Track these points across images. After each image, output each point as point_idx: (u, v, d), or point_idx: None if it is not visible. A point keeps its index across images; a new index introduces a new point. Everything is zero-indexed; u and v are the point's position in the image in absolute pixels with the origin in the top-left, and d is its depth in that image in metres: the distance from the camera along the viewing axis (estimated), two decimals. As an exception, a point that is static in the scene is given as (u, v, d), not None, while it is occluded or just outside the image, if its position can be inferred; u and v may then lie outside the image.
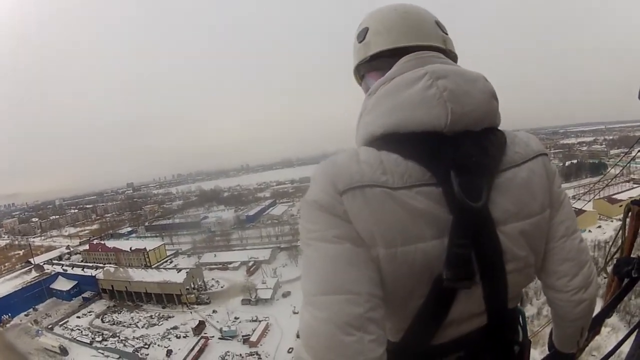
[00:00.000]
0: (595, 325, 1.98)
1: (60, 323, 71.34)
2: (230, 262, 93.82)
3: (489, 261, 1.07)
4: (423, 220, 0.99)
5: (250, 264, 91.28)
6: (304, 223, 1.06)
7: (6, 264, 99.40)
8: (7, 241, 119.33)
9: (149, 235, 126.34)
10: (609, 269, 2.44)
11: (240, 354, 57.29)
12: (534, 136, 1.27)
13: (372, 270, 0.99)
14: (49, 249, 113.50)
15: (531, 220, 1.14)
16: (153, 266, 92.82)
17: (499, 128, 1.20)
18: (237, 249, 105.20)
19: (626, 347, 2.34)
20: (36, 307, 76.98)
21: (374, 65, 1.31)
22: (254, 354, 57.18)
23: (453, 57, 1.32)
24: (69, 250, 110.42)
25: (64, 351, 59.80)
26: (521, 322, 1.41)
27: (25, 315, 73.96)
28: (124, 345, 62.57)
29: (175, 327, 67.55)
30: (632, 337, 2.30)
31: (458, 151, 1.05)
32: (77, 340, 64.54)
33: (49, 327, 69.22)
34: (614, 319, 36.42)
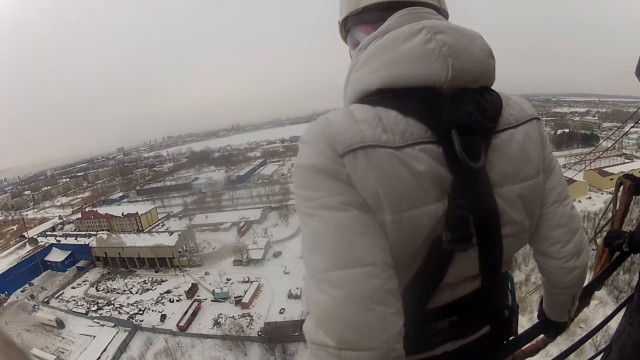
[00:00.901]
0: (585, 297, 1.97)
1: (56, 295, 72.53)
2: (222, 223, 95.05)
3: (486, 223, 1.04)
4: (427, 181, 0.95)
5: (241, 224, 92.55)
6: (301, 191, 0.97)
7: (0, 241, 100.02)
8: (1, 218, 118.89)
9: (140, 199, 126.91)
10: (599, 240, 2.45)
11: (233, 316, 58.36)
12: (526, 100, 1.23)
13: (382, 238, 0.93)
14: (43, 220, 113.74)
15: (527, 184, 1.11)
16: (145, 230, 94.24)
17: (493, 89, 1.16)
18: (228, 210, 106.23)
19: (614, 323, 2.41)
20: (32, 281, 77.89)
21: (364, 17, 1.24)
22: (246, 316, 58.34)
23: (445, 16, 1.25)
24: (61, 221, 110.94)
25: (60, 324, 61.10)
26: (510, 287, 1.41)
27: (22, 291, 75.05)
28: (119, 313, 63.95)
29: (168, 291, 69.08)
30: (621, 313, 2.34)
31: (458, 109, 1.01)
32: (73, 311, 65.88)
33: (45, 300, 70.43)
34: (602, 293, 37.25)
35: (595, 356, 2.43)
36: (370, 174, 0.92)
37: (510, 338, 1.45)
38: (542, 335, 1.80)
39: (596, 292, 2.30)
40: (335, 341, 0.86)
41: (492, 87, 1.17)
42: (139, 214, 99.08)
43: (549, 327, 1.64)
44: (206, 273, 73.40)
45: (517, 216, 1.11)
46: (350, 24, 1.31)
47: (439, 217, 0.97)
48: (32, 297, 71.84)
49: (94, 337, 57.71)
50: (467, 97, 1.05)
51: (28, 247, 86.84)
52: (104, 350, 54.07)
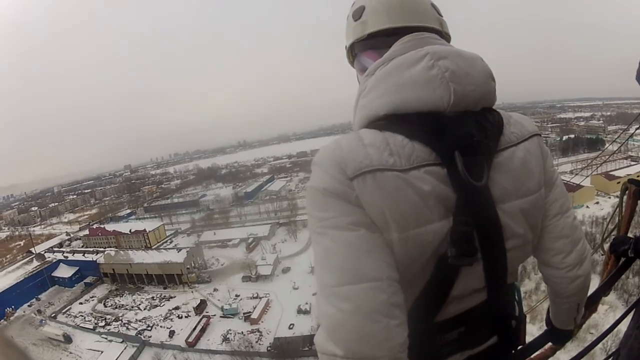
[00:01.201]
0: (592, 303, 1.93)
1: (63, 311, 71.88)
2: (230, 240, 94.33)
3: (490, 238, 1.09)
4: (432, 201, 1.00)
5: (249, 240, 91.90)
6: (313, 211, 1.03)
7: (7, 256, 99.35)
8: (7, 233, 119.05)
9: (148, 216, 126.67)
10: (606, 246, 2.40)
11: (242, 332, 57.69)
12: (527, 117, 1.29)
13: (388, 255, 0.99)
14: (50, 236, 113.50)
15: (529, 198, 1.16)
16: (153, 247, 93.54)
17: (494, 108, 1.22)
18: (236, 226, 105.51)
19: (623, 326, 2.34)
20: (39, 296, 77.34)
21: (370, 44, 1.31)
22: (255, 331, 57.62)
23: (447, 39, 1.32)
24: (69, 237, 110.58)
25: (67, 339, 60.39)
26: (517, 297, 1.45)
27: (29, 305, 74.27)
28: (127, 329, 63.21)
29: (177, 307, 68.31)
30: (630, 316, 2.29)
31: (461, 131, 1.06)
32: (81, 326, 65.20)
33: (52, 315, 69.86)
34: (611, 297, 37.02)
35: None
36: (378, 196, 0.97)
37: (519, 347, 1.48)
38: (550, 344, 1.81)
39: (605, 298, 2.25)
40: (343, 351, 0.91)
41: (495, 104, 1.22)
42: (147, 231, 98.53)
43: (556, 335, 1.67)
44: (215, 289, 72.72)
45: (520, 230, 1.16)
46: (357, 50, 1.38)
47: (444, 234, 1.02)
48: (39, 311, 71.23)
49: (102, 352, 56.80)
50: (469, 119, 1.09)
51: (35, 263, 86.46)
52: (112, 365, 53.05)
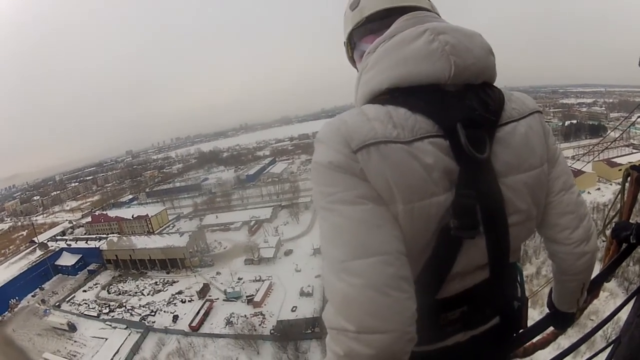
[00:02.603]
0: (594, 288, 1.94)
1: (67, 299, 72.14)
2: (232, 223, 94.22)
3: (493, 212, 1.09)
4: (436, 173, 1.01)
5: (251, 223, 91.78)
6: (319, 187, 1.03)
7: (10, 247, 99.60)
8: (10, 224, 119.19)
9: (150, 201, 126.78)
10: (608, 232, 2.46)
11: (245, 315, 57.86)
12: (528, 96, 1.30)
13: (396, 228, 0.99)
14: (52, 225, 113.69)
15: (531, 173, 1.16)
16: (156, 232, 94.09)
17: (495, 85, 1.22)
18: (238, 209, 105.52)
19: (624, 314, 2.39)
20: (42, 286, 77.61)
21: (369, 28, 1.33)
22: (258, 314, 57.77)
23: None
24: (71, 225, 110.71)
25: (72, 327, 60.68)
26: (519, 279, 1.45)
27: (33, 296, 74.49)
28: (131, 315, 63.56)
29: (180, 292, 68.59)
30: (631, 304, 2.33)
31: (462, 104, 1.07)
32: (85, 314, 65.54)
33: (56, 304, 70.10)
34: (612, 284, 37.22)
35: (604, 348, 2.47)
36: (383, 168, 0.98)
37: (520, 331, 1.51)
38: (552, 329, 1.86)
39: (606, 284, 2.35)
40: (354, 326, 0.90)
41: (495, 84, 1.23)
42: (149, 216, 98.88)
43: (558, 318, 1.69)
44: (217, 273, 72.91)
45: (522, 205, 1.16)
46: (356, 38, 1.40)
47: (448, 207, 1.02)
48: (43, 301, 71.49)
49: (106, 339, 57.12)
50: (470, 93, 1.11)
51: (38, 252, 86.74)
52: (117, 352, 53.51)
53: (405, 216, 1.00)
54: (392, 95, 1.10)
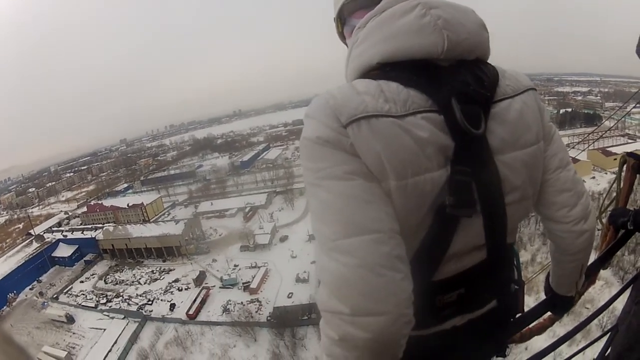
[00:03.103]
0: (591, 274, 2.01)
1: (65, 291, 72.37)
2: (227, 210, 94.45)
3: (489, 190, 1.07)
4: (430, 148, 0.98)
5: (246, 210, 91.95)
6: (308, 163, 1.00)
7: (7, 240, 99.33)
8: (6, 217, 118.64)
9: (145, 189, 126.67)
10: (604, 220, 2.43)
11: (242, 302, 58.24)
12: (522, 73, 1.27)
13: (388, 205, 0.96)
14: (48, 217, 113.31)
15: (527, 150, 1.14)
16: (151, 220, 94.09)
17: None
18: (233, 196, 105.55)
19: (619, 303, 2.45)
20: (40, 278, 77.57)
21: (359, 3, 1.28)
22: (254, 301, 58.12)
23: None
24: (67, 215, 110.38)
25: (70, 319, 61.01)
26: (515, 262, 1.43)
27: (30, 289, 74.51)
28: (128, 304, 63.98)
29: (176, 280, 68.92)
30: (627, 293, 2.35)
31: (456, 80, 1.05)
32: (83, 305, 65.92)
33: (54, 296, 70.36)
34: (607, 274, 37.81)
35: (601, 337, 2.47)
36: (374, 143, 0.95)
37: (517, 315, 1.50)
38: (549, 314, 1.86)
39: (602, 273, 2.33)
40: (349, 307, 0.87)
41: (489, 59, 1.20)
42: (145, 204, 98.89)
43: (557, 302, 1.69)
44: (213, 260, 73.08)
45: (519, 183, 1.14)
46: (346, 14, 1.34)
47: (443, 184, 1.00)
48: (40, 294, 71.65)
49: (104, 330, 57.55)
50: (463, 69, 1.09)
51: (35, 245, 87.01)
52: (115, 342, 53.97)
53: (398, 193, 0.97)
54: (383, 70, 1.07)
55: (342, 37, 1.43)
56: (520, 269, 1.45)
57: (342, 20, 1.37)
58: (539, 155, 1.20)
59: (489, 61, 1.21)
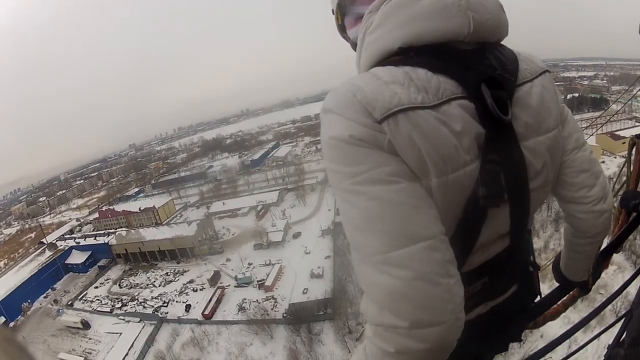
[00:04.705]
0: (604, 259, 2.06)
1: (80, 297, 72.00)
2: (239, 209, 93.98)
3: (516, 178, 1.04)
4: (466, 139, 0.94)
5: (258, 208, 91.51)
6: (339, 166, 0.91)
7: (20, 250, 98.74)
8: (18, 227, 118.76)
9: (156, 192, 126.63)
10: (616, 203, 2.31)
11: (257, 300, 57.64)
12: (535, 55, 1.23)
13: (433, 207, 0.91)
14: (60, 225, 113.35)
15: (550, 135, 1.12)
16: (164, 223, 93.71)
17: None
18: (244, 195, 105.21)
19: (633, 288, 2.42)
20: (54, 286, 77.30)
21: None
22: (270, 299, 57.60)
23: None
24: (79, 222, 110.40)
25: (86, 325, 60.61)
26: (532, 247, 1.42)
27: (45, 297, 74.20)
28: (144, 307, 63.58)
29: (191, 281, 68.55)
30: None
31: (483, 64, 1.01)
32: (98, 310, 65.46)
33: (69, 303, 70.04)
34: (620, 258, 37.44)
35: (615, 322, 2.49)
36: (415, 138, 0.89)
37: (535, 300, 1.50)
38: (562, 300, 1.92)
39: (614, 258, 2.35)
40: (406, 321, 0.83)
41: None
42: (156, 207, 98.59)
43: (570, 288, 1.78)
44: (227, 259, 72.72)
45: (542, 168, 1.12)
46: (348, 2, 1.27)
47: (477, 176, 0.96)
48: (55, 301, 71.42)
49: (120, 334, 57.08)
50: (487, 52, 1.04)
51: (48, 253, 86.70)
52: (131, 346, 53.43)
53: (439, 190, 0.92)
54: (405, 55, 1.00)
55: (342, 29, 1.35)
56: (533, 251, 1.43)
57: (343, 10, 1.30)
58: (559, 138, 1.17)
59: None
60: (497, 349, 1.43)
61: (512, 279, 1.27)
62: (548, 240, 48.99)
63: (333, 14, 1.32)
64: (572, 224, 1.36)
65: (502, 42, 1.13)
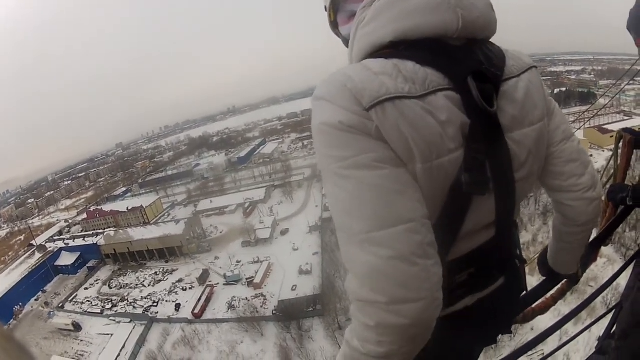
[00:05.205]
0: (592, 251, 2.06)
1: (70, 299, 72.30)
2: (227, 206, 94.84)
3: (501, 168, 1.09)
4: (451, 128, 0.99)
5: (246, 205, 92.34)
6: (329, 150, 0.96)
7: (9, 253, 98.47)
8: (7, 230, 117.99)
9: (143, 192, 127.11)
10: (603, 196, 2.32)
11: (246, 297, 58.47)
12: (523, 52, 1.29)
13: (417, 191, 0.95)
14: (49, 226, 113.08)
15: (535, 127, 1.17)
16: (152, 222, 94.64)
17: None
18: (231, 192, 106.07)
19: (623, 280, 2.46)
20: (44, 288, 77.58)
21: None
22: (259, 296, 58.40)
23: None
24: (68, 224, 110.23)
25: (77, 327, 61.13)
26: (518, 240, 1.44)
27: (36, 300, 74.45)
28: (134, 308, 64.18)
29: (180, 280, 69.20)
30: (630, 269, 2.39)
31: (471, 58, 1.07)
32: (89, 312, 66.02)
33: (60, 305, 70.39)
34: (609, 250, 37.83)
35: (606, 314, 2.54)
36: (401, 125, 0.93)
37: (523, 293, 1.50)
38: (551, 293, 1.91)
39: (604, 250, 2.32)
40: (385, 297, 0.88)
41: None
42: (144, 207, 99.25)
43: (557, 282, 1.77)
44: (216, 257, 73.46)
45: (527, 160, 1.17)
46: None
47: (461, 163, 1.01)
48: (46, 304, 71.79)
49: (112, 335, 57.80)
50: (475, 48, 1.10)
51: (37, 255, 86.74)
52: (123, 346, 54.20)
53: (424, 176, 0.97)
54: (395, 48, 1.06)
55: (335, 25, 1.40)
56: (519, 244, 1.44)
57: (336, 7, 1.35)
58: (545, 131, 1.22)
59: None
60: (486, 341, 1.51)
61: (499, 271, 1.31)
62: (536, 234, 49.85)
63: (326, 10, 1.39)
64: (562, 212, 1.41)
65: (491, 39, 1.20)
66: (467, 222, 1.09)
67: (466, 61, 1.05)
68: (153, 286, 70.02)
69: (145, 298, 66.28)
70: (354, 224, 0.92)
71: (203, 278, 66.73)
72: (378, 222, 0.90)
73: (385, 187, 0.92)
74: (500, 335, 1.52)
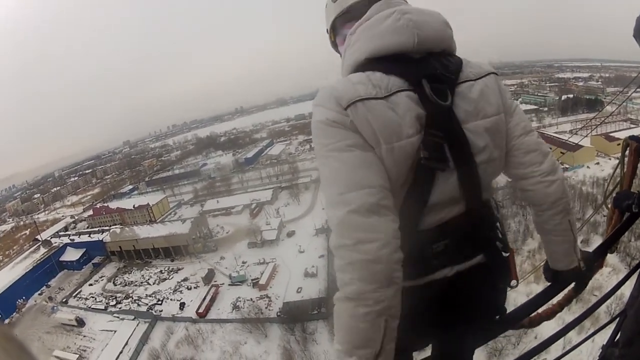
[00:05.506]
0: (598, 258, 2.05)
1: (74, 294, 72.24)
2: (233, 207, 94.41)
3: (459, 149, 1.35)
4: (408, 118, 1.27)
5: (252, 206, 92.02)
6: (319, 140, 1.29)
7: (14, 247, 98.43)
8: (12, 224, 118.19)
9: (150, 190, 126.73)
10: (609, 205, 2.47)
11: (251, 298, 58.12)
12: (487, 63, 1.57)
13: (380, 168, 1.25)
14: (55, 222, 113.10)
15: (489, 119, 1.41)
16: (158, 220, 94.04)
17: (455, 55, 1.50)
18: (238, 193, 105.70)
19: (627, 289, 2.44)
20: (49, 283, 77.40)
21: (349, 16, 1.58)
22: (264, 297, 58.03)
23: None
24: (73, 219, 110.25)
25: (80, 322, 60.92)
26: (499, 226, 1.57)
27: (39, 294, 74.31)
28: (138, 305, 63.93)
29: (185, 279, 68.97)
30: (634, 279, 2.37)
31: (426, 65, 1.36)
32: (92, 308, 65.92)
33: (64, 300, 70.31)
34: (614, 260, 37.81)
35: (609, 322, 2.51)
36: (369, 119, 1.25)
37: (513, 283, 1.61)
38: (557, 300, 1.94)
39: (609, 259, 2.26)
40: (350, 239, 1.15)
41: (487, 60, 1.47)
42: (150, 205, 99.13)
43: (563, 281, 1.79)
44: (222, 258, 73.05)
45: (484, 145, 1.40)
46: (339, 25, 1.65)
47: (420, 144, 1.29)
48: (50, 298, 71.62)
49: (115, 331, 57.43)
50: (432, 59, 1.39)
51: (42, 250, 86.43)
52: (126, 343, 53.85)
53: (388, 155, 1.25)
54: (370, 63, 1.38)
55: (335, 45, 1.74)
56: (505, 234, 1.58)
57: (335, 31, 1.68)
58: (501, 124, 1.46)
59: (457, 54, 1.50)
60: (473, 329, 1.68)
61: (475, 248, 1.49)
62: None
63: (327, 33, 1.74)
64: (528, 199, 1.59)
65: (453, 52, 1.49)
66: (433, 194, 1.34)
67: (422, 68, 1.34)
68: (158, 284, 69.72)
69: (150, 296, 65.98)
70: (332, 190, 1.22)
71: (208, 278, 66.34)
72: (347, 187, 1.19)
73: (355, 163, 1.22)
74: (488, 318, 1.65)
